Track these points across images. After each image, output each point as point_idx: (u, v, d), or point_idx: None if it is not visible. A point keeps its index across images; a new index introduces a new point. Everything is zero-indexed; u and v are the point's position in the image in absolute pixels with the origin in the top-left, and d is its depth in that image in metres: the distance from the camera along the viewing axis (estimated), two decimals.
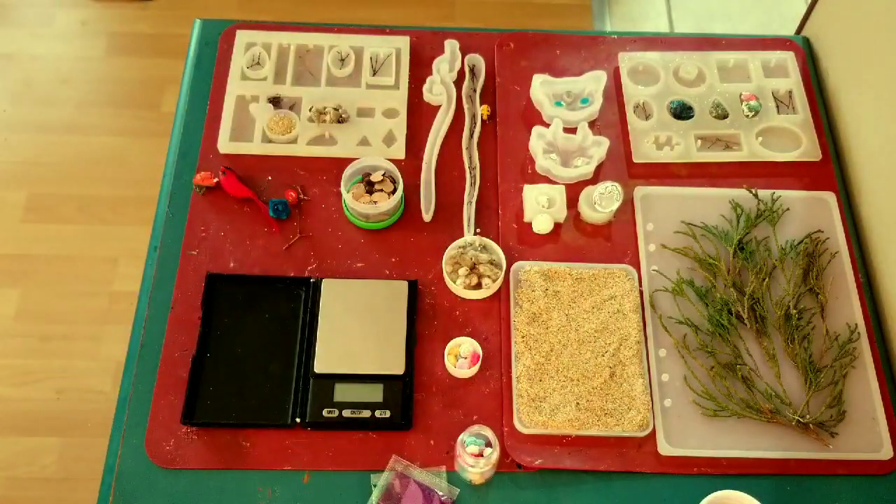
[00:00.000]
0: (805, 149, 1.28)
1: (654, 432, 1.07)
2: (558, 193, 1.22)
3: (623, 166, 1.27)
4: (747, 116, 1.30)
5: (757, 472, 1.05)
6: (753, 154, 1.27)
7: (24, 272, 2.07)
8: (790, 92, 1.33)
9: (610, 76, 1.33)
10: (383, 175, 1.21)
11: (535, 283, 1.15)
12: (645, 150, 1.27)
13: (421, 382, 1.10)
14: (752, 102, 1.30)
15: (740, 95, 1.32)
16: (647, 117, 1.30)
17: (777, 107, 1.31)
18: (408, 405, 1.07)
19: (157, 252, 1.18)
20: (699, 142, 1.28)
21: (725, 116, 1.30)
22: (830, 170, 1.27)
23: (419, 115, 1.31)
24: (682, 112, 1.30)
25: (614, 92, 1.33)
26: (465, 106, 1.31)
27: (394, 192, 1.19)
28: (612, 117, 1.31)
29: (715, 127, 1.29)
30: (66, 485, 1.83)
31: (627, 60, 1.34)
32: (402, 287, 1.14)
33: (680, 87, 1.33)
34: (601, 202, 1.17)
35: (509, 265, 1.17)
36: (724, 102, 1.31)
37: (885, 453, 1.07)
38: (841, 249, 1.20)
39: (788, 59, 1.35)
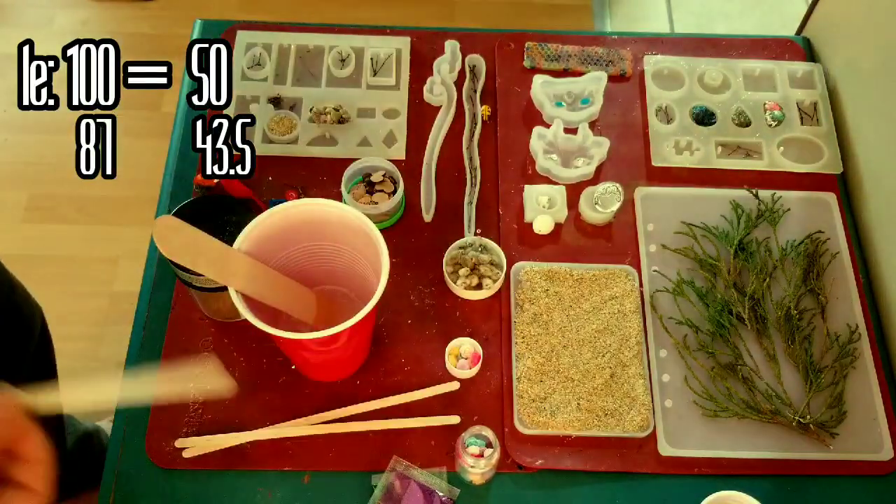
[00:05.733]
0: (827, 161, 1.26)
1: (654, 433, 1.07)
2: (559, 194, 1.22)
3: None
4: (770, 126, 1.29)
5: (757, 473, 1.05)
6: (774, 164, 1.26)
7: (24, 272, 2.06)
8: (815, 104, 1.32)
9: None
10: (384, 175, 1.20)
11: (535, 284, 1.15)
12: (665, 154, 1.26)
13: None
14: (776, 112, 1.29)
15: (764, 105, 1.31)
16: (669, 121, 1.30)
17: (801, 118, 1.30)
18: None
19: (158, 252, 1.18)
20: (720, 148, 1.28)
21: (748, 124, 1.29)
22: None
23: (420, 115, 1.31)
24: (705, 118, 1.30)
25: (614, 92, 1.33)
26: (466, 106, 1.31)
27: (394, 192, 1.19)
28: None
29: (737, 134, 1.28)
30: None
31: (653, 63, 1.33)
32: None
33: (704, 92, 1.32)
34: (602, 203, 1.17)
35: (510, 266, 1.17)
36: (747, 110, 1.30)
37: (886, 454, 1.07)
38: (841, 250, 1.20)
39: (815, 70, 1.34)
